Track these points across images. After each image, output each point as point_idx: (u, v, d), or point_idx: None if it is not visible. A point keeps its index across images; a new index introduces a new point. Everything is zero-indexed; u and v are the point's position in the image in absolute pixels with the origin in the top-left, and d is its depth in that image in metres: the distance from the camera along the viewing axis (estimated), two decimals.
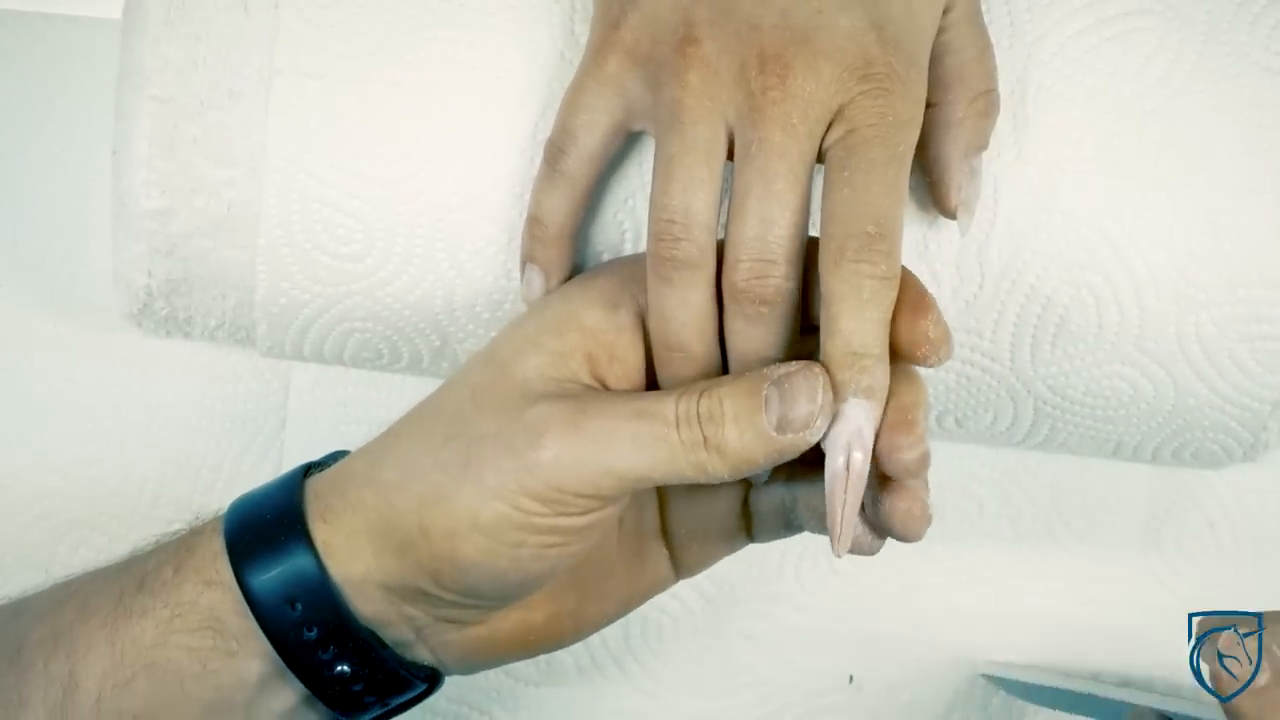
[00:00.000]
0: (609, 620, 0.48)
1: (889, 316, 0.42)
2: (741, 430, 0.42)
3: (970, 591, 0.61)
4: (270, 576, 0.43)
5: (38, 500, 0.58)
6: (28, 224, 0.58)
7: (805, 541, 0.58)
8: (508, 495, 0.42)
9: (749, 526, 0.48)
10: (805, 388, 0.41)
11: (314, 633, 0.43)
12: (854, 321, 0.41)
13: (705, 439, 0.42)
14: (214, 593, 0.44)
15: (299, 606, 0.43)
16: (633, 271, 0.45)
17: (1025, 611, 0.61)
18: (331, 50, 0.46)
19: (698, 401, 0.42)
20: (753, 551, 0.51)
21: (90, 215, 0.57)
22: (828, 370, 0.42)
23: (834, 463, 0.42)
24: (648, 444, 0.42)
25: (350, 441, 0.54)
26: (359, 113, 0.46)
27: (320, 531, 0.44)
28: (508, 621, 0.46)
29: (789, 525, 0.47)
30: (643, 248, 0.48)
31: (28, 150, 0.58)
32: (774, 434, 0.42)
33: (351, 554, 0.44)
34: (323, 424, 0.58)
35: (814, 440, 0.42)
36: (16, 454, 0.58)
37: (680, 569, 0.49)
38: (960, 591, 0.61)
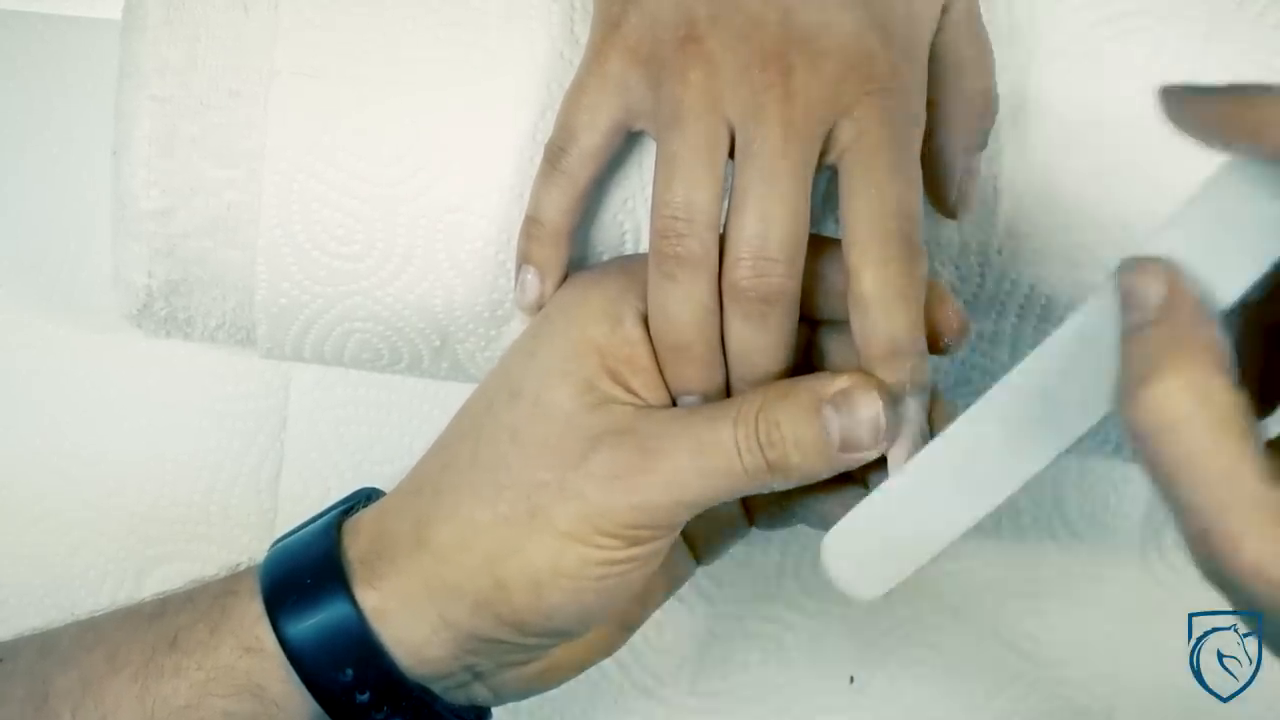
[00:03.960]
0: (649, 616, 0.49)
1: (923, 311, 0.42)
2: (805, 454, 0.42)
3: (971, 592, 0.61)
4: (319, 645, 0.43)
5: (38, 500, 0.58)
6: (28, 224, 0.58)
7: (805, 541, 0.58)
8: (585, 537, 0.42)
9: (749, 514, 0.48)
10: (866, 403, 0.42)
11: (366, 696, 0.43)
12: (896, 321, 0.42)
13: (769, 464, 0.42)
14: (254, 659, 0.44)
15: (349, 672, 0.43)
16: (627, 280, 0.45)
17: (1025, 612, 0.61)
18: (331, 50, 0.46)
19: (756, 427, 0.42)
20: (753, 551, 0.51)
21: (90, 215, 0.57)
22: (872, 371, 0.42)
23: (898, 461, 0.42)
24: (716, 476, 0.42)
25: (350, 441, 0.54)
26: (359, 113, 0.46)
27: (369, 598, 0.44)
28: (569, 646, 0.46)
29: (789, 515, 0.47)
30: (643, 248, 0.48)
31: (28, 150, 0.58)
32: (839, 455, 0.42)
33: (413, 618, 0.44)
34: (323, 424, 0.58)
35: (880, 453, 0.42)
36: (16, 454, 0.58)
37: (699, 556, 0.49)
38: (961, 592, 0.61)
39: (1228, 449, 0.34)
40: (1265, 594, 0.34)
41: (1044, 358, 0.40)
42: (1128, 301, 0.37)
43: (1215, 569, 0.35)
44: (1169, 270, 0.37)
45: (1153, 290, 0.36)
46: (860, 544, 0.42)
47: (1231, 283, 0.37)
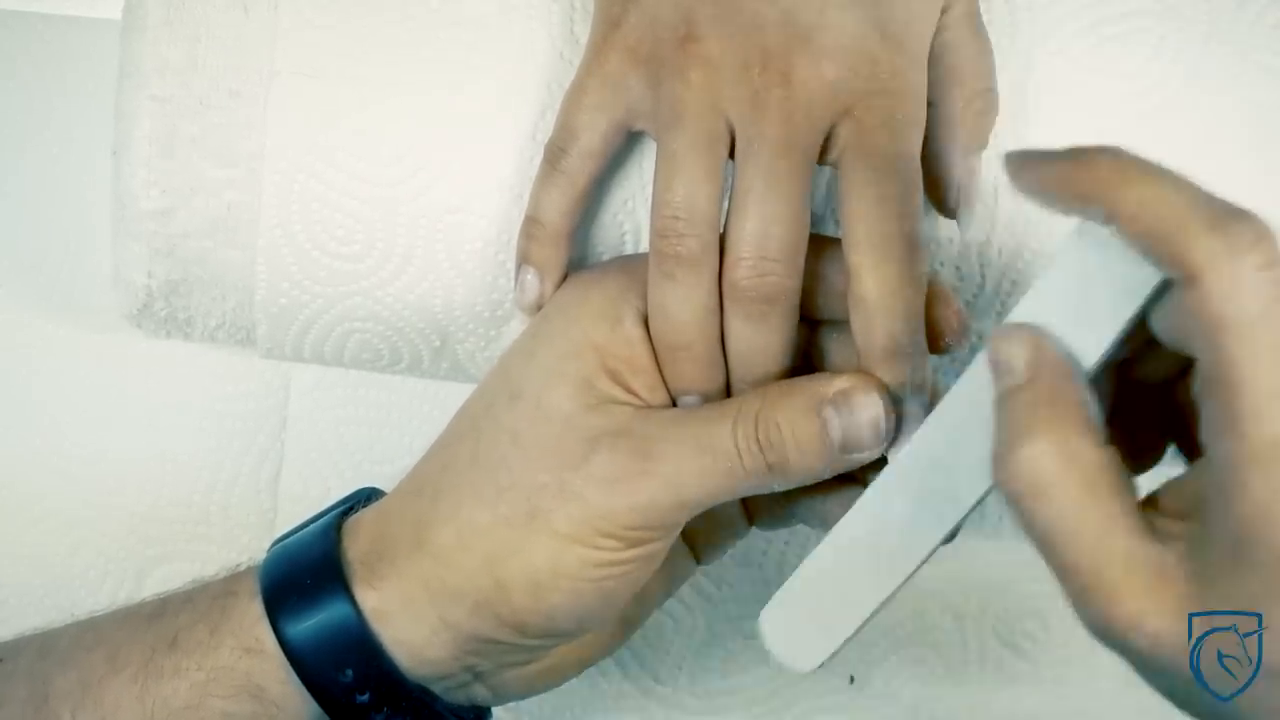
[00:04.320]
0: (649, 615, 0.49)
1: (924, 311, 0.43)
2: (805, 455, 0.42)
3: (971, 592, 0.61)
4: (319, 645, 0.43)
5: (38, 500, 0.58)
6: (28, 224, 0.58)
7: (805, 541, 0.58)
8: (585, 538, 0.42)
9: (749, 514, 0.48)
10: (866, 404, 0.42)
11: (366, 696, 0.44)
12: (896, 321, 0.42)
13: (769, 465, 0.42)
14: (253, 660, 0.44)
15: (349, 672, 0.43)
16: (627, 280, 0.45)
17: (1025, 612, 0.61)
18: (331, 50, 0.46)
19: (756, 428, 0.42)
20: (753, 551, 0.51)
21: (90, 215, 0.57)
22: (873, 371, 0.42)
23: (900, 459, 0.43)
24: (716, 477, 0.42)
25: (350, 441, 0.54)
26: (359, 113, 0.46)
27: (369, 599, 0.44)
28: (569, 646, 0.46)
29: (788, 515, 0.47)
30: (642, 248, 0.48)
31: (28, 150, 0.58)
32: (839, 455, 0.42)
33: (413, 619, 0.44)
34: (323, 424, 0.58)
35: (881, 453, 0.42)
36: (16, 454, 0.58)
37: (699, 556, 0.49)
38: (961, 592, 0.61)
39: (1098, 508, 0.35)
40: (1146, 648, 0.35)
41: (935, 427, 0.41)
42: (997, 369, 0.38)
43: (1098, 627, 0.35)
44: (1033, 336, 0.37)
45: (1019, 357, 0.37)
46: (792, 618, 0.43)
47: (1094, 344, 0.37)
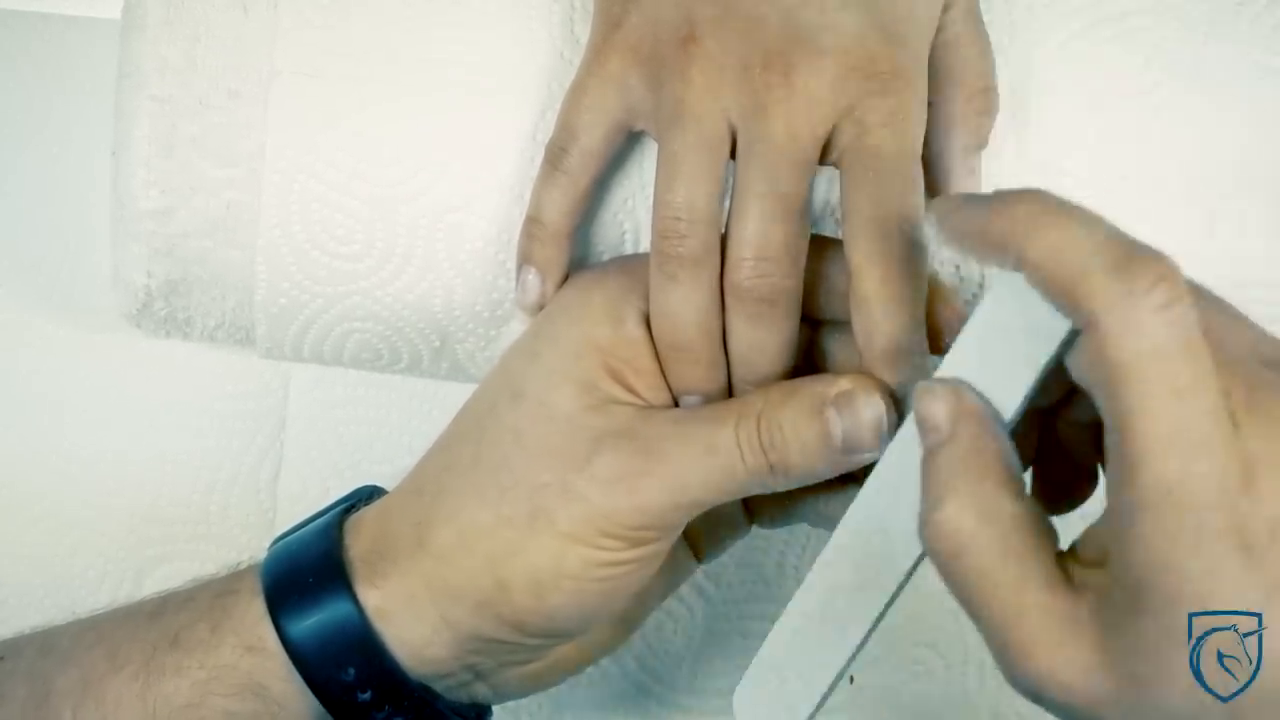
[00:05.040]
0: (649, 614, 0.49)
1: (925, 311, 0.42)
2: (807, 455, 0.42)
3: None
4: (320, 643, 0.43)
5: (38, 500, 0.58)
6: (28, 224, 0.58)
7: (805, 541, 0.58)
8: (587, 538, 0.42)
9: (750, 513, 0.48)
10: (868, 405, 0.42)
11: (368, 695, 0.44)
12: (897, 321, 0.42)
13: (771, 465, 0.42)
14: (255, 658, 0.44)
15: (351, 671, 0.43)
16: (629, 280, 0.45)
17: None
18: (331, 50, 0.46)
19: (758, 429, 0.42)
20: (753, 551, 0.51)
21: (90, 215, 0.57)
22: (874, 371, 0.42)
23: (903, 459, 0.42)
24: (718, 477, 0.42)
25: (350, 441, 0.54)
26: (359, 113, 0.46)
27: (371, 597, 0.44)
28: (570, 644, 0.46)
29: (789, 514, 0.47)
30: (643, 248, 0.48)
31: (28, 150, 0.58)
32: (841, 456, 0.42)
33: (414, 618, 0.44)
34: (323, 424, 0.58)
35: (881, 453, 0.42)
36: (16, 454, 0.58)
37: (699, 555, 0.49)
38: None
39: (1014, 564, 0.35)
40: (1062, 700, 0.35)
41: (873, 490, 0.41)
42: (922, 427, 0.38)
43: (1018, 681, 0.36)
44: (954, 390, 0.38)
45: (940, 412, 0.37)
46: (761, 696, 0.43)
47: (1013, 393, 0.37)
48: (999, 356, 0.38)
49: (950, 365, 0.39)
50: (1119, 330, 0.33)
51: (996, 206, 0.35)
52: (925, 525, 0.36)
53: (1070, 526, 0.38)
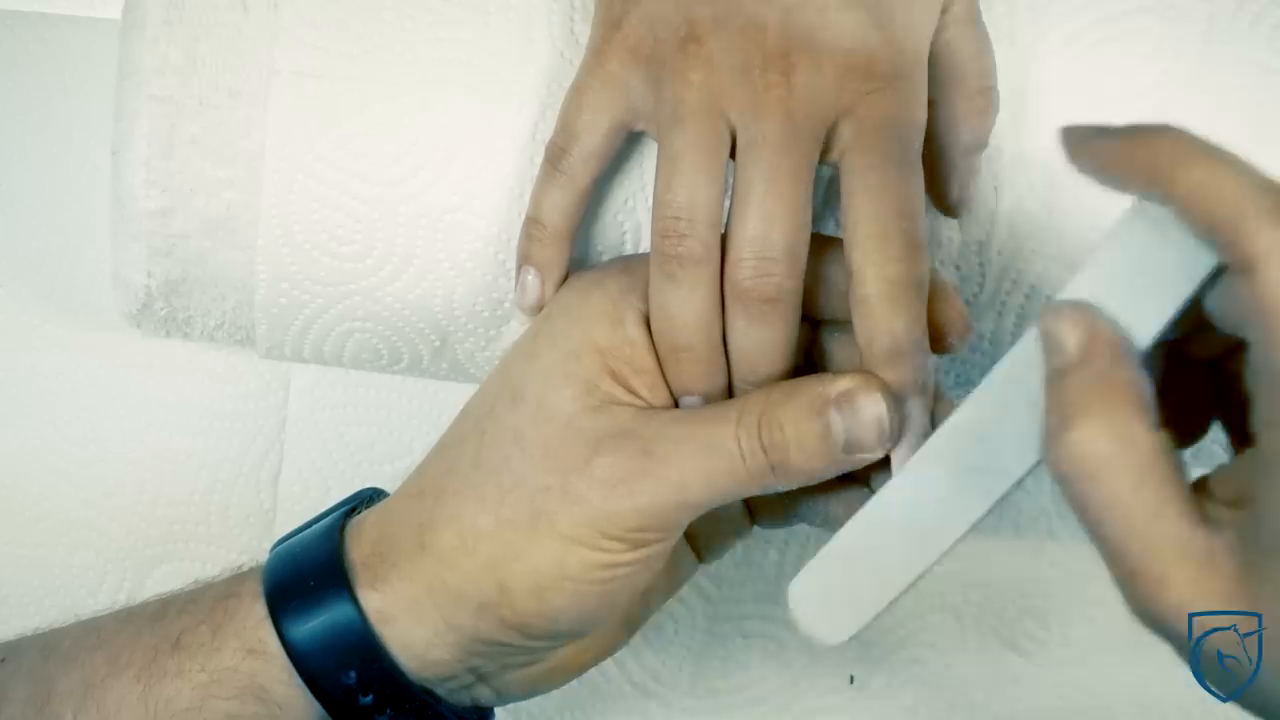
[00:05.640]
0: (649, 616, 0.49)
1: (926, 311, 0.42)
2: (808, 456, 0.42)
3: (971, 592, 0.61)
4: (322, 647, 0.43)
5: (38, 500, 0.58)
6: (28, 224, 0.58)
7: (805, 541, 0.58)
8: (588, 541, 0.42)
9: (751, 513, 0.48)
10: (869, 405, 0.42)
11: (370, 698, 0.44)
12: (898, 320, 0.42)
13: (772, 466, 0.42)
14: (257, 661, 0.44)
15: (353, 675, 0.43)
16: (629, 281, 0.45)
17: (1025, 612, 0.61)
18: (331, 50, 0.46)
19: (759, 429, 0.42)
20: (753, 551, 0.51)
21: (90, 215, 0.57)
22: (876, 371, 0.42)
23: (901, 462, 0.42)
24: (719, 478, 0.42)
25: (350, 441, 0.54)
26: (359, 113, 0.46)
27: (372, 600, 0.44)
28: (572, 646, 0.46)
29: (790, 515, 0.47)
30: (642, 248, 0.48)
31: (28, 150, 0.58)
32: (842, 456, 0.42)
33: (416, 621, 0.44)
34: (323, 424, 0.58)
35: (884, 454, 0.42)
36: (16, 454, 0.58)
37: (700, 555, 0.49)
38: (961, 592, 0.61)
39: (1150, 492, 0.35)
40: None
41: (979, 403, 0.41)
42: (1048, 347, 0.37)
43: (1144, 611, 0.35)
44: (1087, 314, 0.37)
45: (1071, 335, 0.37)
46: (822, 590, 0.43)
47: (1148, 323, 0.37)
48: (1135, 285, 0.37)
49: (1078, 288, 0.38)
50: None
51: (1139, 137, 0.35)
52: (1054, 445, 0.36)
53: None
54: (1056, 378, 0.37)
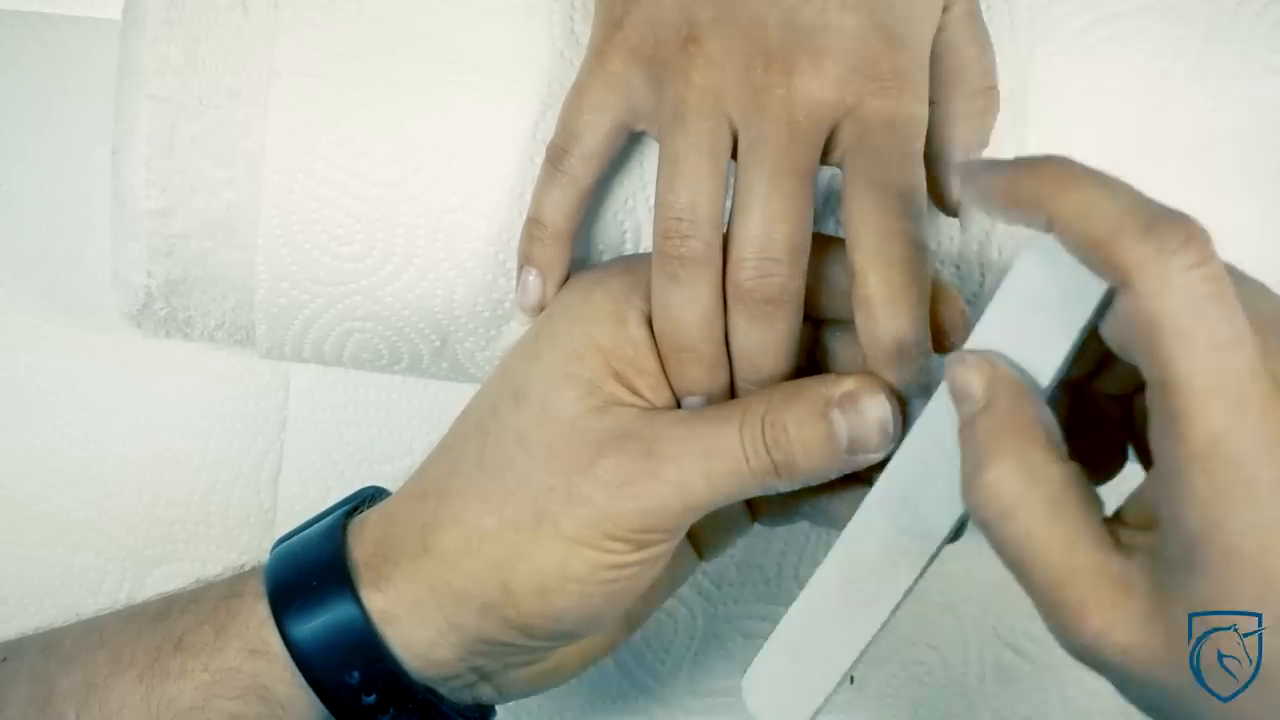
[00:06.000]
0: (652, 613, 0.49)
1: (928, 311, 0.42)
2: (812, 456, 0.42)
3: (971, 592, 0.61)
4: (325, 646, 0.43)
5: (38, 500, 0.58)
6: (28, 224, 0.58)
7: (805, 541, 0.58)
8: (592, 542, 0.42)
9: (753, 511, 0.48)
10: (873, 405, 0.42)
11: (373, 697, 0.44)
12: (901, 320, 0.42)
13: (775, 466, 0.42)
14: (260, 661, 0.44)
15: (356, 674, 0.43)
16: (630, 281, 0.45)
17: (1026, 612, 0.61)
18: (331, 50, 0.46)
19: (762, 430, 0.42)
20: (753, 551, 0.51)
21: (90, 215, 0.57)
22: (879, 371, 0.42)
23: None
24: (722, 479, 0.42)
25: (350, 441, 0.54)
26: (358, 113, 0.46)
27: (375, 600, 0.44)
28: (574, 645, 0.46)
29: (792, 512, 0.47)
30: (643, 248, 0.48)
31: (28, 150, 0.58)
32: (845, 456, 0.42)
33: (419, 621, 0.44)
34: (323, 424, 0.58)
35: (887, 453, 0.42)
36: (16, 454, 0.58)
37: (702, 553, 0.49)
38: (961, 592, 0.61)
39: (1063, 524, 0.35)
40: (1115, 660, 0.35)
41: (901, 466, 0.41)
42: (957, 397, 0.38)
43: (1069, 644, 0.36)
44: (987, 360, 0.38)
45: (976, 382, 0.38)
46: (774, 678, 0.43)
47: (1050, 357, 0.38)
48: (1032, 323, 0.38)
49: (981, 335, 0.39)
50: (1156, 287, 0.33)
51: (1023, 168, 0.36)
52: (970, 490, 0.36)
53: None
54: (967, 425, 0.37)
